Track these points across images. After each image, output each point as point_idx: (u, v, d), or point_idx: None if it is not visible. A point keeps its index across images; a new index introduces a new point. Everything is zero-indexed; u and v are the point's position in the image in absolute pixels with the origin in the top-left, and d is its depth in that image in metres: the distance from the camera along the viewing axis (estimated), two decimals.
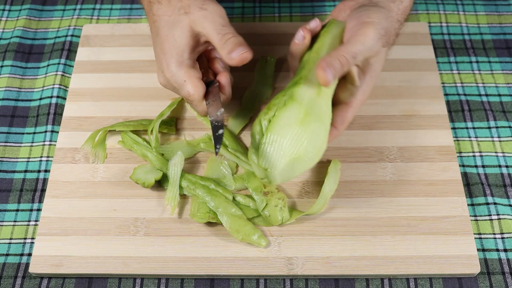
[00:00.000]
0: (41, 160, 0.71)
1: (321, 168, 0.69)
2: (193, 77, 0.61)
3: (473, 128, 0.73)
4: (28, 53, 0.82)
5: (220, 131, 0.60)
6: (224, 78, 0.64)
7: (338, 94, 0.62)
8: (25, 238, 0.66)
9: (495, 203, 0.67)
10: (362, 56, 0.58)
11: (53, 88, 0.77)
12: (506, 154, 0.71)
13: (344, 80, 0.60)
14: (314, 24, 0.61)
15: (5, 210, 0.68)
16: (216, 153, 0.60)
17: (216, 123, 0.61)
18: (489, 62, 0.80)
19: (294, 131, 0.57)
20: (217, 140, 0.60)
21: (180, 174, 0.66)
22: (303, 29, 0.60)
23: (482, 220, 0.66)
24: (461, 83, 0.78)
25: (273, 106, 0.58)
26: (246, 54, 0.59)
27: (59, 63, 0.80)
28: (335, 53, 0.56)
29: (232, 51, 0.59)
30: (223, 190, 0.66)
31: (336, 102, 0.62)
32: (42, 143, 0.73)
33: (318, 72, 0.54)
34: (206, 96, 0.63)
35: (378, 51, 0.59)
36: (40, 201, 0.68)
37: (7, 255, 0.65)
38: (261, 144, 0.57)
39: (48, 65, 0.80)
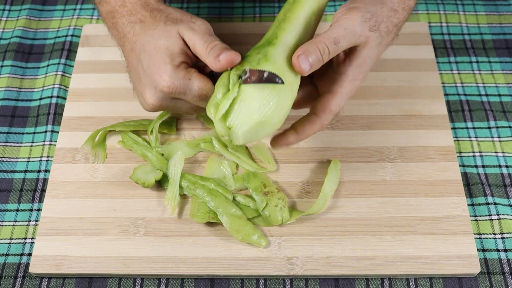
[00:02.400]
0: (41, 160, 0.71)
1: (321, 168, 0.69)
2: (195, 73, 0.59)
3: (473, 128, 0.73)
4: (28, 53, 0.82)
5: None
6: None
7: (321, 81, 0.60)
8: (25, 238, 0.66)
9: (495, 203, 0.67)
10: (346, 42, 0.55)
11: (53, 88, 0.77)
12: (506, 154, 0.71)
13: (327, 66, 0.59)
14: None
15: (5, 210, 0.68)
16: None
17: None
18: (489, 62, 0.80)
19: (264, 93, 0.53)
20: None
21: (180, 174, 0.66)
22: None
23: (482, 220, 0.66)
24: (461, 83, 0.78)
25: (246, 63, 0.55)
26: (234, 55, 0.55)
27: (59, 63, 0.80)
28: (314, 39, 0.54)
29: (219, 55, 0.56)
30: (223, 190, 0.66)
31: (321, 91, 0.60)
32: (42, 143, 0.73)
33: (294, 62, 0.53)
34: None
35: (365, 36, 0.56)
36: (40, 201, 0.68)
37: (7, 255, 0.65)
38: (226, 99, 0.53)
39: (48, 65, 0.80)
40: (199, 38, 0.58)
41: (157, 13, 0.61)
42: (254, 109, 0.53)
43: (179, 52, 0.59)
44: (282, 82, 0.54)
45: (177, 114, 0.73)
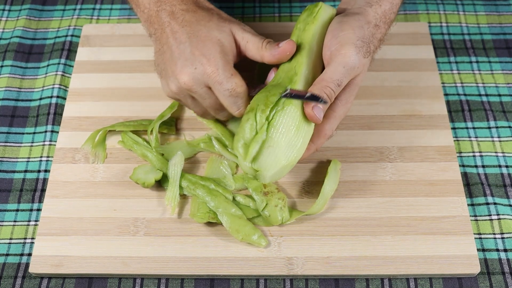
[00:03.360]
0: (41, 160, 0.71)
1: (321, 168, 0.69)
2: (237, 72, 0.61)
3: (473, 128, 0.73)
4: (28, 53, 0.82)
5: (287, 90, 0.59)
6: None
7: None
8: (25, 238, 0.66)
9: (495, 203, 0.67)
10: (347, 79, 0.58)
11: (53, 88, 0.77)
12: (506, 154, 0.71)
13: None
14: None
15: (5, 210, 0.68)
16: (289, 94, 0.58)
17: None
18: (489, 62, 0.80)
19: (290, 136, 0.57)
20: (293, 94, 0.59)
21: (180, 174, 0.66)
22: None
23: (482, 220, 0.66)
24: (461, 83, 0.78)
25: (272, 105, 0.57)
26: (292, 44, 0.60)
27: (59, 63, 0.80)
28: (320, 85, 0.57)
29: (278, 43, 0.60)
30: (223, 190, 0.66)
31: None
32: (42, 143, 0.73)
33: (310, 113, 0.56)
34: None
35: (362, 65, 0.59)
36: (40, 201, 0.68)
37: (7, 255, 0.65)
38: (255, 142, 0.57)
39: (48, 65, 0.80)
40: (252, 36, 0.62)
41: (209, 11, 0.64)
42: (281, 154, 0.57)
43: (230, 48, 0.61)
44: (325, 102, 0.57)
45: (175, 115, 0.73)
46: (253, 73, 0.70)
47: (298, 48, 0.61)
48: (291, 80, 0.59)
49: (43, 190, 0.69)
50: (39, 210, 0.67)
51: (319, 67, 0.62)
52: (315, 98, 0.56)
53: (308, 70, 0.60)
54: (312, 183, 0.68)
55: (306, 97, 0.57)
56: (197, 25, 0.61)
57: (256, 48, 0.61)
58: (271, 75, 0.63)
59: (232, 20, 0.64)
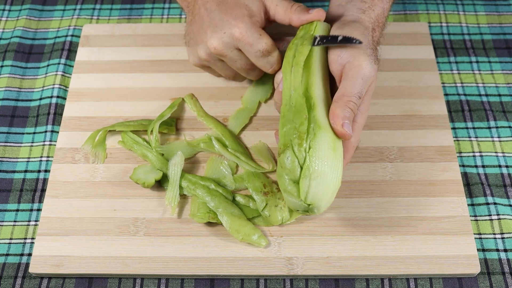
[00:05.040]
0: (41, 160, 0.71)
1: None
2: (265, 32, 0.63)
3: (473, 128, 0.73)
4: (28, 53, 0.82)
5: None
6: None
7: None
8: (25, 238, 0.66)
9: (495, 203, 0.67)
10: (365, 90, 0.59)
11: (53, 88, 0.77)
12: (506, 154, 0.71)
13: None
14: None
15: (5, 210, 0.68)
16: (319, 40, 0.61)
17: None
18: (489, 62, 0.80)
19: (330, 160, 0.56)
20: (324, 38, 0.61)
21: (180, 174, 0.66)
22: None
23: (482, 220, 0.66)
24: (461, 83, 0.78)
25: (304, 136, 0.56)
26: (321, 11, 0.62)
27: (59, 63, 0.80)
28: (342, 101, 0.57)
29: (308, 10, 0.63)
30: (223, 190, 0.66)
31: None
32: (42, 143, 0.73)
33: (341, 131, 0.56)
34: None
35: (375, 72, 0.59)
36: (40, 201, 0.68)
37: (7, 255, 0.65)
38: (303, 178, 0.55)
39: (48, 65, 0.80)
40: (282, 0, 0.64)
41: None
42: (329, 180, 0.56)
43: (258, 12, 0.63)
44: (360, 42, 0.58)
45: (175, 115, 0.73)
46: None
47: (309, 67, 0.61)
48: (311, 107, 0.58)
49: (43, 190, 0.69)
50: (39, 210, 0.67)
51: (327, 78, 0.62)
52: (348, 39, 0.58)
53: (320, 89, 0.60)
54: None
55: (339, 41, 0.59)
56: None
57: (284, 10, 0.64)
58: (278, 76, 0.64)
59: None
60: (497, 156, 0.71)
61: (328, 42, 0.60)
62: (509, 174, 0.70)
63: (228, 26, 0.62)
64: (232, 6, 0.63)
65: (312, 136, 0.56)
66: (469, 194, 0.68)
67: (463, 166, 0.70)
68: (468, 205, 0.67)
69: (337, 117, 0.56)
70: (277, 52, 0.64)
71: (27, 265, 0.64)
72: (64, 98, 0.76)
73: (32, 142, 0.73)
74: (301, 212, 0.58)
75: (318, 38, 0.60)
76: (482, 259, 0.64)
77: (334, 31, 0.62)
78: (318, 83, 0.60)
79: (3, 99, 0.77)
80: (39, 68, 0.80)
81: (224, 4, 0.63)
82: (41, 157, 0.72)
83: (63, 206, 0.66)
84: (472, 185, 0.69)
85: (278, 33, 0.67)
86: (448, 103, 0.76)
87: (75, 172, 0.69)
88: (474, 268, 0.61)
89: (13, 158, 0.72)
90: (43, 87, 0.78)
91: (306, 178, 0.55)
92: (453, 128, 0.73)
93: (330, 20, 0.64)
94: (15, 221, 0.67)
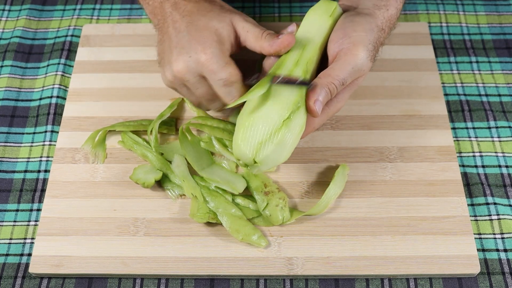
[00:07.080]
0: (41, 160, 0.71)
1: (321, 168, 0.69)
2: (233, 61, 0.61)
3: (473, 128, 0.73)
4: (28, 53, 0.82)
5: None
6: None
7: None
8: (25, 238, 0.66)
9: (495, 203, 0.67)
10: (351, 80, 0.58)
11: (53, 88, 0.77)
12: (506, 154, 0.71)
13: None
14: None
15: (5, 210, 0.68)
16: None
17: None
18: (489, 62, 0.80)
19: (295, 135, 0.57)
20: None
21: (188, 171, 0.66)
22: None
23: (482, 220, 0.66)
24: (461, 83, 0.78)
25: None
26: (291, 38, 0.59)
27: (59, 63, 0.80)
28: (326, 80, 0.57)
29: (277, 35, 0.60)
30: (223, 191, 0.66)
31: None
32: (42, 143, 0.73)
33: (312, 107, 0.57)
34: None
35: (367, 68, 0.59)
36: (40, 201, 0.68)
37: (7, 255, 0.65)
38: (270, 142, 0.56)
39: (48, 65, 0.80)
40: (253, 26, 0.62)
41: (212, 2, 0.64)
42: (285, 152, 0.57)
43: (227, 38, 0.61)
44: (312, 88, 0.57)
45: (175, 115, 0.73)
46: (249, 62, 0.69)
47: (304, 40, 0.61)
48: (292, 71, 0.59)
49: (43, 190, 0.69)
50: (39, 210, 0.67)
51: (318, 58, 0.62)
52: (304, 83, 0.57)
53: (310, 61, 0.60)
54: (313, 183, 0.68)
55: (297, 83, 0.57)
56: (197, 15, 0.61)
57: (255, 38, 0.61)
58: (268, 61, 0.62)
59: (234, 11, 0.64)
60: (497, 156, 0.71)
61: (287, 83, 0.58)
62: (509, 174, 0.70)
63: (195, 50, 0.59)
64: (201, 29, 0.60)
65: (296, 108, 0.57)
66: (469, 194, 0.68)
67: (463, 166, 0.70)
68: (468, 205, 0.67)
69: (313, 93, 0.57)
70: (241, 83, 0.61)
71: (27, 265, 0.64)
72: (64, 98, 0.76)
73: (32, 142, 0.73)
74: (241, 164, 0.59)
75: (280, 78, 0.58)
76: (482, 259, 0.64)
77: (346, 20, 0.61)
78: (311, 58, 0.60)
79: (3, 99, 0.77)
80: (39, 68, 0.80)
81: (193, 26, 0.61)
82: (41, 157, 0.72)
83: (63, 206, 0.66)
84: (472, 185, 0.69)
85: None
86: (448, 103, 0.76)
87: (75, 172, 0.69)
88: (474, 268, 0.61)
89: (13, 158, 0.72)
90: (43, 87, 0.78)
91: (272, 143, 0.56)
92: (453, 128, 0.73)
93: (344, 8, 0.64)
94: (15, 221, 0.67)
